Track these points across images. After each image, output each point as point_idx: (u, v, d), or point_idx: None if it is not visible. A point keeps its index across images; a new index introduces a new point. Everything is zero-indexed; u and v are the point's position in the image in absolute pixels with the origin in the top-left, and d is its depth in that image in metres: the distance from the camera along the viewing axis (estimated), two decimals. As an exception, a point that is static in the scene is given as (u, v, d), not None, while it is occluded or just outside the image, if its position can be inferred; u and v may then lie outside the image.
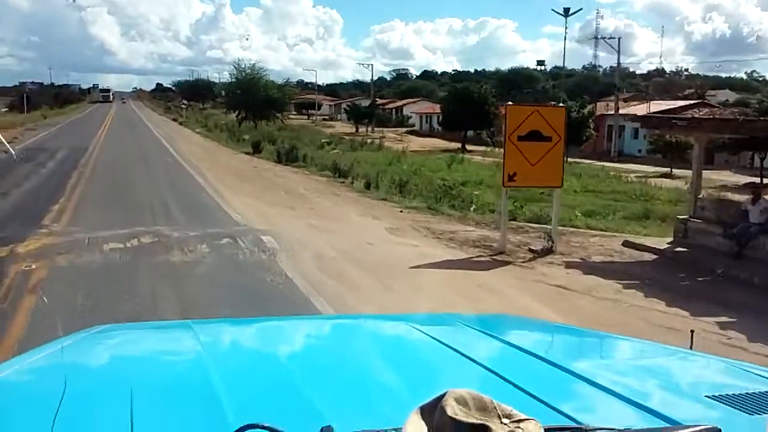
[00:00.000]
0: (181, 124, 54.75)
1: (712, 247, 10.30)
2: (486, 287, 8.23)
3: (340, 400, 1.31)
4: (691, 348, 1.88)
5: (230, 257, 9.12)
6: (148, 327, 2.49)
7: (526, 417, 0.95)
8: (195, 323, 1.95)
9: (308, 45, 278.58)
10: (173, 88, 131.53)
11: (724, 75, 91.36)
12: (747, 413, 1.25)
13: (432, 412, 0.96)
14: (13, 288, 7.29)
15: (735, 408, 1.27)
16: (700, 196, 11.42)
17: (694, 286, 9.03)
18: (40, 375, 1.55)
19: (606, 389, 1.33)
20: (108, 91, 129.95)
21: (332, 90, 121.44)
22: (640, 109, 47.69)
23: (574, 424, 1.13)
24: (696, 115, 12.37)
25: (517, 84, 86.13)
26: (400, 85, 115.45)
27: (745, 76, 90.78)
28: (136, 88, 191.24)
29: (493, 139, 48.60)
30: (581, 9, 76.03)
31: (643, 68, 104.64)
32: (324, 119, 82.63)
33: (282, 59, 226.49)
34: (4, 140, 23.36)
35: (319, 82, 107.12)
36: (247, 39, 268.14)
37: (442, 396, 0.96)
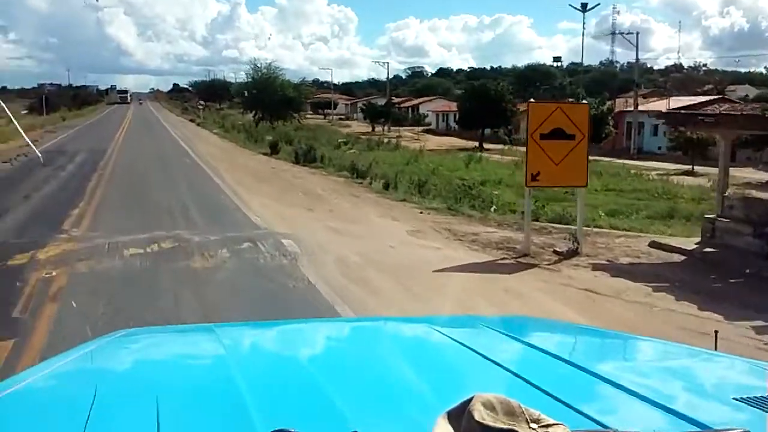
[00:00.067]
0: (198, 125, 54.93)
1: (742, 248, 10.02)
2: (512, 291, 8.06)
3: (365, 405, 1.30)
4: (715, 349, 1.87)
5: (251, 262, 9.01)
6: (170, 330, 2.47)
7: (555, 422, 0.94)
8: (217, 326, 1.95)
9: (323, 44, 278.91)
10: (190, 88, 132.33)
11: (742, 70, 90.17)
12: None
13: (459, 417, 0.95)
14: (34, 296, 7.22)
15: (764, 410, 1.23)
16: (727, 194, 11.15)
17: (725, 288, 8.79)
18: (67, 380, 1.55)
19: (631, 392, 1.30)
20: (126, 92, 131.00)
21: (348, 89, 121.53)
22: (659, 105, 47.13)
23: (600, 428, 1.11)
24: (718, 111, 12.04)
25: (534, 81, 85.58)
26: (416, 83, 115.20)
27: (764, 71, 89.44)
28: (153, 88, 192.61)
29: (511, 137, 48.39)
30: (599, 4, 75.22)
31: (661, 64, 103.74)
32: (340, 118, 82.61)
33: (297, 58, 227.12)
34: (31, 144, 23.47)
35: (335, 81, 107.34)
36: (269, 38, 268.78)
37: (469, 400, 0.95)
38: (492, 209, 15.40)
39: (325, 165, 23.84)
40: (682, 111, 12.94)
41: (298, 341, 1.91)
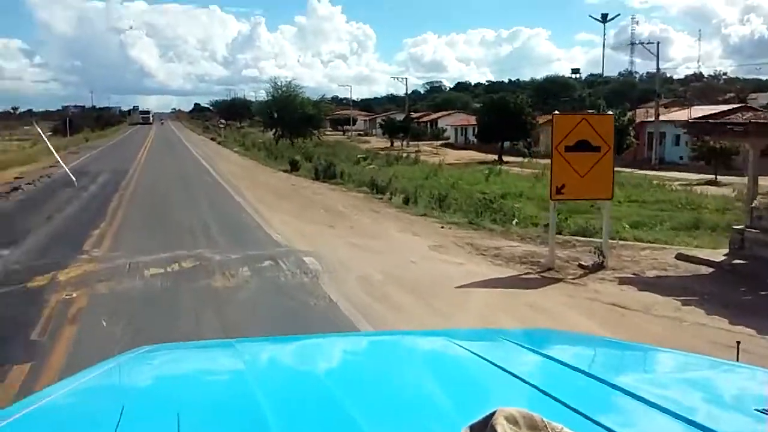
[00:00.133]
0: (219, 143, 55.36)
1: (773, 259, 9.78)
2: (537, 307, 7.90)
3: (385, 419, 1.28)
4: (737, 360, 1.87)
5: (272, 280, 8.94)
6: (191, 347, 2.47)
7: None
8: (237, 342, 1.95)
9: (342, 61, 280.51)
10: (211, 107, 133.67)
11: (764, 77, 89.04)
12: None
13: (482, 430, 0.93)
14: (53, 318, 7.18)
15: None
16: (754, 204, 10.90)
17: (756, 300, 8.56)
18: (88, 397, 1.56)
19: (653, 404, 1.28)
20: (148, 112, 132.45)
21: (367, 105, 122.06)
22: (681, 114, 46.70)
23: None
24: (742, 119, 11.83)
25: (553, 93, 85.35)
26: (435, 97, 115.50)
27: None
28: (174, 108, 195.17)
29: (530, 149, 48.19)
30: (619, 14, 75.06)
31: (680, 73, 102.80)
32: (359, 134, 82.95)
33: (317, 76, 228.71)
34: (65, 166, 23.70)
35: (354, 98, 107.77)
36: (299, 60, 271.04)
37: (492, 414, 0.94)
38: (514, 222, 15.25)
39: (345, 181, 23.84)
40: (710, 120, 12.71)
41: (317, 356, 1.90)
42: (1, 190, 20.92)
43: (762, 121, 10.14)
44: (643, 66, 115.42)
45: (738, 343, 2.02)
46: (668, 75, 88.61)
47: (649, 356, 2.02)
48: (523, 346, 1.83)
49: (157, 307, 7.68)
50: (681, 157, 43.46)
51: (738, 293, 8.85)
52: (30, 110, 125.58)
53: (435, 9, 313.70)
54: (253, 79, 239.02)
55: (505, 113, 47.07)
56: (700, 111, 43.02)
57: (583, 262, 10.09)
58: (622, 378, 1.50)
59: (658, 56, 50.24)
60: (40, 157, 35.67)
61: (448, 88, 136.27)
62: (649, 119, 48.20)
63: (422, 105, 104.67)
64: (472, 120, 59.97)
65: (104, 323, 6.75)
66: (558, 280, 9.22)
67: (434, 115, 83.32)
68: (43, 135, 31.51)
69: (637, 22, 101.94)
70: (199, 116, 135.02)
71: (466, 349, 1.77)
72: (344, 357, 1.94)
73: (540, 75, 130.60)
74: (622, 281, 9.23)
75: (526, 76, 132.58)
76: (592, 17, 55.93)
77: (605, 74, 62.35)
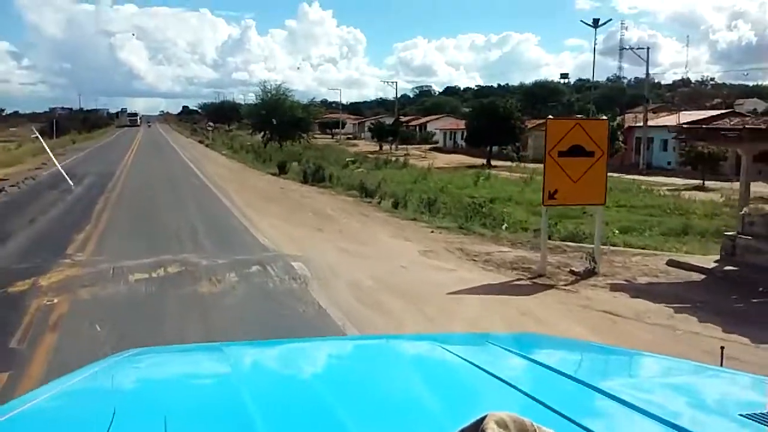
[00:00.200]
0: (207, 146, 55.02)
1: (764, 266, 9.73)
2: (530, 314, 7.78)
3: (375, 423, 1.29)
4: (721, 365, 1.88)
5: (260, 287, 8.76)
6: (178, 350, 2.46)
7: None
8: (224, 345, 1.95)
9: (332, 65, 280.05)
10: (199, 110, 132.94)
11: (750, 83, 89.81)
12: None
13: None
14: (33, 325, 6.97)
15: None
16: (744, 211, 10.86)
17: (748, 308, 8.49)
18: (75, 400, 1.55)
19: (639, 408, 1.29)
20: (135, 115, 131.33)
21: (356, 108, 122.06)
22: (669, 120, 46.91)
23: None
24: (729, 125, 11.81)
25: (542, 97, 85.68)
26: (424, 101, 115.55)
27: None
28: (163, 111, 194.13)
29: (519, 154, 48.26)
30: (611, 19, 75.16)
31: (668, 78, 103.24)
32: (348, 138, 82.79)
33: (306, 79, 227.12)
34: (61, 168, 23.34)
35: (343, 101, 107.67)
36: (299, 68, 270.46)
37: (482, 419, 0.94)
38: (503, 227, 15.17)
39: (334, 184, 23.70)
40: (704, 126, 12.67)
41: (305, 360, 1.89)
42: (-16, 192, 20.64)
43: (755, 127, 10.09)
44: (631, 71, 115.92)
45: (722, 348, 2.05)
46: (656, 80, 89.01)
47: (635, 361, 2.06)
48: (510, 351, 1.82)
49: (141, 313, 7.48)
50: (669, 162, 43.68)
51: (730, 301, 8.78)
52: (16, 112, 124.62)
53: (425, 14, 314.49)
54: (242, 82, 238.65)
55: (495, 118, 47.12)
56: (688, 116, 43.25)
57: (574, 268, 10.00)
58: (608, 382, 1.51)
59: (648, 61, 50.49)
60: (25, 159, 35.33)
61: (437, 93, 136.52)
62: (638, 124, 48.37)
63: (411, 109, 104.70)
64: (461, 124, 59.96)
65: (98, 328, 6.59)
66: (550, 287, 9.12)
67: (423, 119, 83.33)
68: (40, 138, 31.37)
69: (626, 28, 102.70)
70: (188, 119, 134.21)
71: (453, 353, 1.77)
72: (331, 361, 1.93)
73: (529, 80, 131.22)
74: (614, 288, 9.15)
75: (515, 81, 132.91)
76: (583, 22, 56.26)
77: (594, 79, 62.60)
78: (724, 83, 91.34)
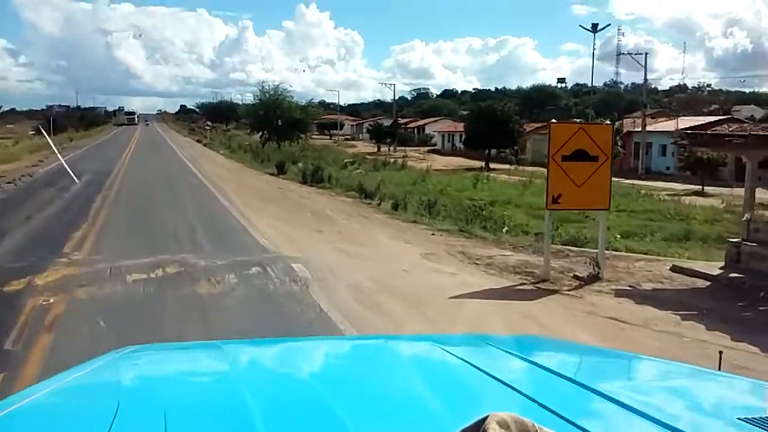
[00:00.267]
0: (205, 145, 54.90)
1: (769, 273, 9.62)
2: (534, 319, 7.65)
3: (375, 423, 1.28)
4: (719, 369, 1.88)
5: (260, 288, 8.62)
6: (177, 347, 2.45)
7: None
8: (223, 343, 1.95)
9: (330, 66, 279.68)
10: (197, 109, 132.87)
11: (746, 90, 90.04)
12: None
13: None
14: (29, 325, 6.82)
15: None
16: (746, 217, 10.76)
17: (756, 316, 8.37)
18: (73, 396, 1.54)
19: (637, 411, 1.28)
20: (133, 113, 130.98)
21: (354, 110, 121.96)
22: (668, 125, 46.98)
23: None
24: (728, 130, 11.74)
25: (539, 102, 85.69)
26: (421, 104, 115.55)
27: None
28: (160, 110, 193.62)
29: (517, 157, 48.26)
30: (609, 24, 75.42)
31: (665, 84, 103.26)
32: (346, 139, 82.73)
33: (304, 80, 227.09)
34: (65, 163, 23.22)
35: (341, 103, 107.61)
36: (305, 68, 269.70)
37: (484, 419, 0.94)
38: (504, 230, 15.06)
39: (333, 185, 23.58)
40: (709, 132, 12.58)
41: (304, 358, 1.89)
42: (-20, 190, 20.47)
43: (761, 133, 9.99)
44: (628, 77, 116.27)
45: (720, 353, 2.06)
46: (653, 86, 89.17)
47: (634, 364, 2.05)
48: (508, 352, 1.82)
49: (138, 315, 7.32)
50: (667, 167, 43.69)
51: (737, 308, 8.66)
52: (13, 109, 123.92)
53: (423, 17, 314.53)
54: (240, 82, 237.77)
55: (493, 121, 47.17)
56: (686, 122, 43.29)
57: (578, 273, 9.89)
58: (608, 385, 1.50)
59: (646, 67, 50.51)
60: (22, 156, 35.16)
61: (434, 95, 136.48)
62: (636, 129, 48.37)
63: (409, 111, 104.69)
64: (460, 127, 59.98)
65: (95, 329, 6.48)
66: (554, 292, 8.99)
67: (421, 122, 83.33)
68: (44, 132, 31.36)
69: (623, 34, 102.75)
70: (185, 118, 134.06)
71: (451, 354, 1.77)
72: (330, 360, 1.93)
73: (526, 84, 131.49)
74: (619, 294, 9.03)
75: (512, 85, 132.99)
76: (582, 27, 56.17)
77: (591, 84, 62.57)
78: (720, 90, 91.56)
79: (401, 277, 9.55)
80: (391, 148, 61.17)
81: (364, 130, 78.63)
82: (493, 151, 49.30)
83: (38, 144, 43.78)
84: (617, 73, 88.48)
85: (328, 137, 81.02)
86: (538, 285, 9.38)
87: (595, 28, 54.75)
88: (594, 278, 9.64)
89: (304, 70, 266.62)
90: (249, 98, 64.55)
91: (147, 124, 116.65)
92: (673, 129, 43.47)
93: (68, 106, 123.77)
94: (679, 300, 8.87)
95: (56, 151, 24.81)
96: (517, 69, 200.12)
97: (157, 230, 13.18)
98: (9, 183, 22.38)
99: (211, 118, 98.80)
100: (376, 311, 7.62)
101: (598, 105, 64.64)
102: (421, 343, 2.13)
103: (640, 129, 47.67)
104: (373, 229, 14.56)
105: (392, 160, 44.02)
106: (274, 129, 48.89)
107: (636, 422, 1.26)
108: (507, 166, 43.94)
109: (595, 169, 9.39)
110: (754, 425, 1.24)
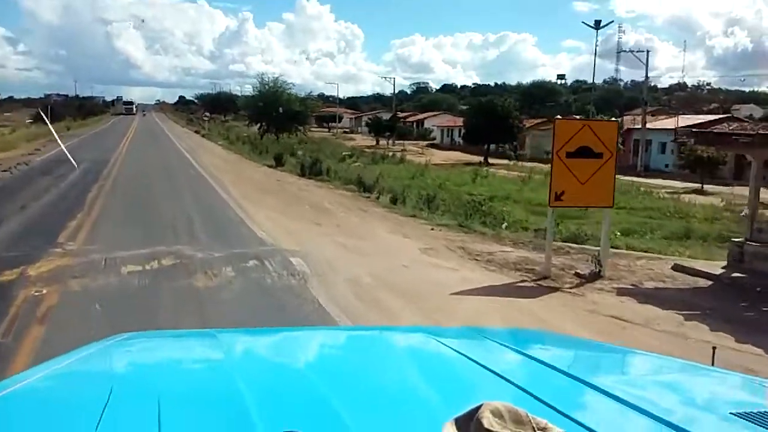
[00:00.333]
0: (203, 136, 54.65)
1: (773, 273, 9.52)
2: (535, 317, 7.54)
3: (369, 412, 1.28)
4: (712, 364, 1.90)
5: (258, 282, 8.48)
6: (171, 335, 2.44)
7: (561, 430, 0.96)
8: (218, 332, 1.93)
9: (329, 59, 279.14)
10: (196, 100, 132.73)
11: (746, 89, 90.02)
12: None
13: (467, 424, 0.94)
14: (20, 317, 6.67)
15: (761, 426, 1.21)
16: (743, 213, 10.65)
17: (759, 317, 8.26)
18: (66, 382, 1.53)
19: (631, 405, 1.29)
20: (131, 103, 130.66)
21: (353, 103, 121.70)
22: (668, 123, 46.98)
23: None
24: (728, 129, 11.64)
25: (539, 98, 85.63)
26: (421, 98, 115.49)
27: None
28: (159, 100, 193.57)
29: (516, 152, 48.21)
30: (612, 21, 75.47)
31: (664, 82, 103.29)
32: (344, 132, 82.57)
33: (303, 73, 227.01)
34: (65, 150, 23.03)
35: (340, 96, 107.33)
36: (307, 58, 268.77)
37: (478, 408, 0.94)
38: (503, 226, 14.93)
39: (332, 178, 23.43)
40: (713, 130, 12.47)
41: (300, 348, 1.90)
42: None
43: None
44: (628, 74, 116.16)
45: (714, 348, 2.11)
46: (653, 84, 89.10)
47: (628, 358, 2.06)
48: (503, 345, 1.81)
49: (133, 308, 7.18)
50: (666, 165, 43.71)
51: (740, 309, 8.56)
52: (11, 97, 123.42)
53: (423, 11, 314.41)
54: (239, 73, 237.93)
55: (493, 116, 47.09)
56: (687, 120, 43.27)
57: (579, 271, 9.77)
58: (601, 378, 1.51)
59: (647, 65, 50.30)
60: (19, 144, 34.92)
61: (434, 90, 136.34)
62: (636, 126, 48.30)
63: (408, 105, 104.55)
64: (459, 121, 59.90)
65: (88, 320, 6.37)
66: (555, 289, 8.88)
67: (420, 116, 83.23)
68: (46, 119, 31.28)
69: (624, 31, 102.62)
70: (184, 109, 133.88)
71: (446, 345, 1.77)
72: (325, 350, 1.93)
73: (525, 80, 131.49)
74: (621, 292, 8.92)
75: (511, 80, 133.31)
76: (585, 23, 56.23)
77: (591, 81, 62.53)
78: (720, 88, 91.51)
79: (400, 272, 9.42)
80: (390, 141, 61.03)
81: (363, 124, 78.42)
82: (492, 147, 49.20)
83: (35, 132, 43.51)
84: (617, 71, 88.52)
85: (326, 130, 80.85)
86: (539, 282, 9.27)
87: (597, 25, 54.66)
88: (595, 276, 9.52)
89: (307, 57, 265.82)
90: (248, 90, 64.36)
91: (144, 115, 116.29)
92: (672, 127, 43.51)
93: (66, 95, 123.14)
94: (682, 299, 8.77)
95: (57, 138, 24.55)
96: (517, 65, 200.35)
97: (154, 221, 13.03)
98: (5, 171, 22.16)
99: (210, 110, 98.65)
100: (374, 307, 7.50)
101: (597, 102, 64.62)
102: (416, 334, 2.12)
103: (639, 126, 47.59)
104: (371, 222, 14.43)
105: (391, 153, 43.91)
106: (273, 121, 48.68)
107: (629, 416, 1.27)
108: (506, 162, 43.90)
109: (600, 166, 9.26)
110: (746, 420, 1.25)
